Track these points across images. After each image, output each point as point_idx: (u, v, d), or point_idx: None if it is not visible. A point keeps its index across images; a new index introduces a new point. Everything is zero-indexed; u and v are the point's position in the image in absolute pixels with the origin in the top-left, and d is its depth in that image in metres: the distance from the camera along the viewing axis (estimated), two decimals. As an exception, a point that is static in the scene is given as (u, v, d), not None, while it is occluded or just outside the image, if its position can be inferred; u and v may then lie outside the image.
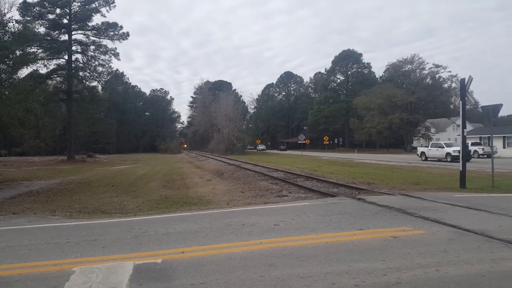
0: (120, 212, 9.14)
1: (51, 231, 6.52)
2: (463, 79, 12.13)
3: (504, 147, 36.98)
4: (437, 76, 57.03)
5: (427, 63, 58.35)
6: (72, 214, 8.83)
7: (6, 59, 18.20)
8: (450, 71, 58.59)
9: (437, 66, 56.22)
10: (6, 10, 21.30)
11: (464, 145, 12.47)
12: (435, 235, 5.37)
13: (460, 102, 12.25)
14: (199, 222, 6.75)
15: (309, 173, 18.52)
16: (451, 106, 71.53)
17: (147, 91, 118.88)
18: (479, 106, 57.97)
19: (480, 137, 39.47)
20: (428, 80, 58.12)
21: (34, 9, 36.94)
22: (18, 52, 19.69)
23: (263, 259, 4.40)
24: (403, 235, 5.42)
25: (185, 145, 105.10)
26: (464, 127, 12.32)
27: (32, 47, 27.72)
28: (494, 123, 13.47)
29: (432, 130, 65.03)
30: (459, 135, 57.47)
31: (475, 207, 7.66)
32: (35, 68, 35.18)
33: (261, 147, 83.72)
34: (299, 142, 48.97)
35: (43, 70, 37.94)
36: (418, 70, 58.73)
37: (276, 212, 7.66)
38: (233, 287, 3.56)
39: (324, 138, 59.18)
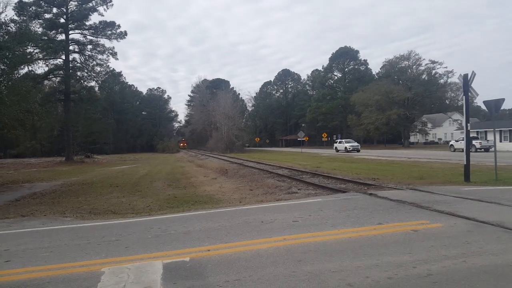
0: (131, 212, 9.16)
1: (68, 233, 6.52)
2: (466, 75, 12.24)
3: (500, 141, 37.30)
4: (433, 72, 57.47)
5: (424, 59, 58.73)
6: (84, 215, 8.83)
7: (5, 59, 18.10)
8: (446, 67, 59.12)
9: (433, 62, 56.65)
10: (1, 10, 21.15)
11: (468, 140, 12.62)
12: (454, 228, 5.46)
13: (464, 97, 12.39)
14: (216, 220, 6.79)
15: (313, 170, 18.60)
16: (447, 101, 72.05)
17: (143, 90, 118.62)
18: (475, 101, 58.60)
19: (477, 131, 39.80)
20: (424, 76, 58.47)
21: (30, 9, 36.68)
22: (17, 52, 19.59)
23: (291, 255, 4.45)
24: (422, 228, 5.50)
25: (185, 144, 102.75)
26: (467, 121, 12.43)
27: (29, 47, 27.61)
28: (494, 117, 13.65)
29: (429, 125, 65.40)
30: (456, 129, 57.94)
31: (485, 199, 7.76)
32: (31, 69, 35.00)
33: (349, 145, 43.82)
34: (298, 139, 49.03)
35: (41, 70, 37.79)
36: (414, 66, 59.15)
37: (291, 208, 7.72)
38: (267, 283, 3.60)
39: (323, 135, 59.27)
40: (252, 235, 5.54)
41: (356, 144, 44.74)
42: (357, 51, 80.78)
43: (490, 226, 5.52)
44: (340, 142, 47.02)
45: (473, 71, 12.00)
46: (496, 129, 37.31)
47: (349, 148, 43.18)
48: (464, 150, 12.45)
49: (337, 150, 45.77)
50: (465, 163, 12.18)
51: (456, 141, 38.56)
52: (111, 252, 4.98)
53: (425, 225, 5.67)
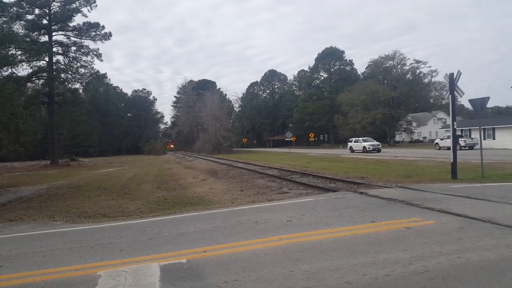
0: (122, 215, 9.05)
1: (60, 237, 6.40)
2: (451, 74, 12.50)
3: (484, 139, 38.25)
4: (418, 71, 58.41)
5: (408, 59, 59.66)
6: (74, 219, 8.69)
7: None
8: (430, 66, 60.35)
9: (418, 61, 57.55)
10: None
11: (455, 138, 12.89)
12: (446, 225, 5.57)
13: (450, 96, 12.65)
14: (210, 221, 6.77)
15: (302, 169, 18.70)
16: (431, 100, 73.44)
17: (128, 91, 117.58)
18: (458, 99, 60.09)
19: (461, 130, 40.70)
20: (409, 75, 59.42)
21: (11, 10, 35.68)
22: (-1, 54, 19.12)
23: (287, 254, 4.46)
24: (415, 225, 5.59)
25: (172, 145, 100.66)
26: (454, 120, 12.71)
27: (11, 49, 26.93)
28: (481, 116, 14.01)
29: (414, 124, 66.52)
30: (440, 128, 59.11)
31: (473, 196, 7.95)
32: (13, 71, 34.15)
33: (368, 144, 37.54)
34: (286, 139, 49.21)
35: (24, 72, 36.93)
36: (399, 66, 60.01)
37: (284, 208, 7.75)
38: (266, 282, 3.60)
39: (310, 135, 59.67)
40: (247, 235, 5.54)
41: (376, 143, 37.81)
42: (343, 52, 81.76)
43: (481, 222, 5.65)
44: (356, 141, 39.59)
45: (458, 70, 12.26)
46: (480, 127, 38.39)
47: (369, 148, 36.42)
48: (451, 148, 12.70)
49: (353, 151, 39.14)
50: (452, 161, 12.44)
51: (441, 139, 39.34)
52: (106, 255, 4.91)
53: (417, 223, 5.77)
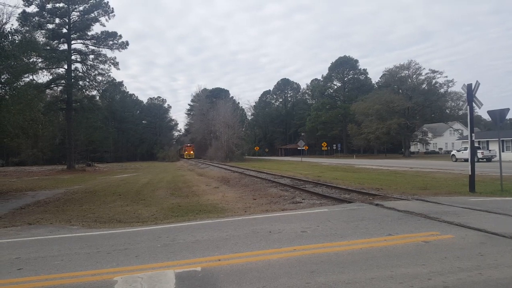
0: (137, 221, 9.14)
1: (77, 241, 6.49)
2: (469, 84, 12.30)
3: (503, 151, 37.34)
4: (433, 81, 57.72)
5: (424, 68, 59.01)
6: (90, 224, 8.83)
7: (10, 68, 18.22)
8: (446, 76, 59.35)
9: (434, 71, 56.93)
10: (4, 20, 21.30)
11: (473, 150, 12.64)
12: (465, 239, 5.44)
13: (467, 107, 12.44)
14: (224, 229, 6.77)
15: (315, 179, 18.58)
16: (447, 111, 72.36)
17: (143, 99, 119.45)
18: (475, 110, 58.95)
19: (479, 141, 39.83)
20: (424, 85, 58.73)
21: (34, 19, 36.99)
22: (21, 62, 19.72)
23: (303, 265, 4.42)
24: (433, 239, 5.47)
25: (192, 151, 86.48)
26: (472, 131, 12.45)
27: (32, 57, 27.80)
28: (500, 127, 13.68)
29: (429, 135, 65.55)
30: (457, 139, 57.99)
31: (493, 211, 7.74)
32: (33, 78, 35.17)
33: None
34: (298, 148, 49.10)
35: (44, 79, 38.13)
36: (414, 76, 59.41)
37: (298, 219, 7.69)
38: (282, 294, 3.58)
39: (323, 144, 59.34)
40: (261, 245, 5.52)
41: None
42: (357, 61, 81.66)
43: (502, 238, 5.49)
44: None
45: (477, 81, 12.07)
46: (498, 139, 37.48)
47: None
48: (469, 160, 12.44)
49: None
50: (470, 174, 12.19)
51: (458, 151, 38.58)
52: (121, 261, 4.95)
53: (435, 236, 5.65)
